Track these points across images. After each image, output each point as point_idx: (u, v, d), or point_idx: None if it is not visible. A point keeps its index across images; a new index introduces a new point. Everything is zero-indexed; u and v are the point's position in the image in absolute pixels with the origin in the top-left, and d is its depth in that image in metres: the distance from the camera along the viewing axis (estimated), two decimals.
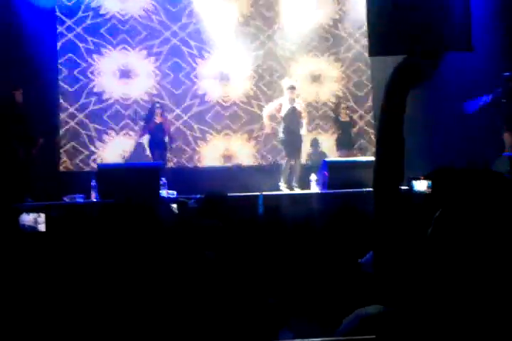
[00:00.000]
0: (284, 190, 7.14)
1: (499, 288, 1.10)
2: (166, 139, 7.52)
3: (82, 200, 5.98)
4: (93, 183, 5.99)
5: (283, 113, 7.34)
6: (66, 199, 6.03)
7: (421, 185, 2.66)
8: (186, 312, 1.64)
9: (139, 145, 7.83)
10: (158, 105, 7.53)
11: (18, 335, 1.67)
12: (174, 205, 3.22)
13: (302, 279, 2.04)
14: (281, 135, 7.40)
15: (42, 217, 3.41)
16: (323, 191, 6.62)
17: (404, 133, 1.46)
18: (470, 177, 1.29)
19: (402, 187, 1.50)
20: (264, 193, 5.82)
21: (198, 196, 5.10)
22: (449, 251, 1.23)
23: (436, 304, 1.12)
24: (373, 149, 8.61)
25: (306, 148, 8.30)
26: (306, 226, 2.56)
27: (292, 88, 7.29)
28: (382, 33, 1.31)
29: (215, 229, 2.37)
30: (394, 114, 1.32)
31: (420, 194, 2.61)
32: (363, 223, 2.53)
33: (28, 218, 3.44)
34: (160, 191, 5.96)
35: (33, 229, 3.37)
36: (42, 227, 3.35)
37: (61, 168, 7.88)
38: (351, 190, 6.09)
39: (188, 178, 7.40)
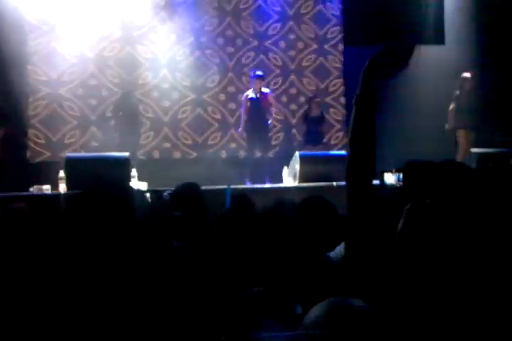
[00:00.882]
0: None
1: (469, 279, 1.11)
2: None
3: (49, 192, 5.85)
4: (61, 174, 5.88)
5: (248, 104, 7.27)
6: (33, 190, 5.90)
7: (392, 178, 2.70)
8: (154, 303, 1.62)
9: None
10: None
11: None
12: (147, 194, 3.17)
13: (270, 272, 2.04)
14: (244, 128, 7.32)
15: None
16: (294, 184, 6.66)
17: (377, 127, 1.46)
18: (439, 170, 1.31)
19: (374, 181, 1.51)
20: (232, 186, 5.82)
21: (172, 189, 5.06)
22: (420, 244, 1.25)
23: (407, 298, 1.13)
24: (342, 143, 8.74)
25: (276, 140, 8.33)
26: (276, 219, 2.55)
27: (259, 77, 7.25)
28: (359, 24, 1.31)
29: (183, 220, 2.35)
30: (368, 105, 1.32)
31: (391, 187, 2.64)
32: (333, 216, 2.54)
33: None
34: (130, 182, 5.88)
35: None
36: None
37: (28, 158, 7.72)
38: (322, 183, 6.15)
39: (159, 170, 7.34)
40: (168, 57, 8.23)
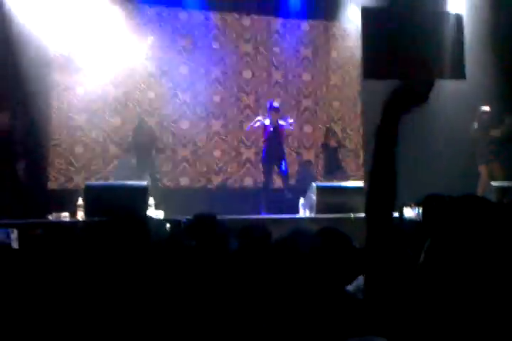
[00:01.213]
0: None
1: (493, 318, 1.09)
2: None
3: (67, 219, 5.90)
4: (80, 202, 5.93)
5: (266, 135, 7.34)
6: (51, 217, 5.95)
7: (411, 212, 2.67)
8: (166, 328, 1.60)
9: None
10: None
11: None
12: (167, 224, 3.17)
13: (286, 305, 2.00)
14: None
15: (15, 233, 3.31)
16: (311, 215, 6.61)
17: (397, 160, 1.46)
18: (460, 205, 1.29)
19: (393, 215, 1.49)
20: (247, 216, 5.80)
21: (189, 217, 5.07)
22: (441, 281, 1.22)
23: (429, 334, 1.10)
24: (359, 174, 8.74)
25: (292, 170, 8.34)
26: (292, 251, 2.53)
27: (275, 109, 7.32)
28: (377, 57, 1.32)
29: (198, 250, 2.34)
30: (388, 138, 1.33)
31: (411, 221, 2.61)
32: (349, 248, 2.51)
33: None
34: (147, 211, 5.91)
35: (4, 244, 3.29)
36: (15, 244, 3.26)
37: (49, 186, 7.81)
38: (339, 214, 6.10)
39: (176, 199, 7.37)
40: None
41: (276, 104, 7.47)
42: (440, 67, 1.35)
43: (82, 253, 2.11)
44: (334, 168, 8.19)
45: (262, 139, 7.53)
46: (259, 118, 7.41)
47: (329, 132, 8.42)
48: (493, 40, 7.78)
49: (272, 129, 7.28)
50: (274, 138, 7.29)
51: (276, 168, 7.40)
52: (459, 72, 1.37)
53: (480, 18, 7.68)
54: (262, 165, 7.56)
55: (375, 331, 1.23)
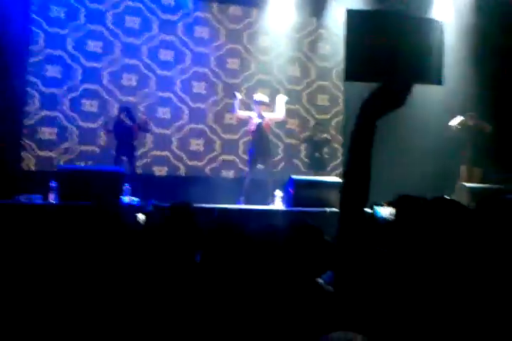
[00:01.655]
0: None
1: (460, 311, 1.12)
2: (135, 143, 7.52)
3: (40, 201, 5.82)
4: (52, 184, 5.85)
5: (253, 127, 7.37)
6: (22, 198, 5.85)
7: (384, 211, 2.71)
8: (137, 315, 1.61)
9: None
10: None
11: None
12: (141, 216, 3.14)
13: (258, 297, 2.02)
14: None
15: None
16: (287, 208, 6.66)
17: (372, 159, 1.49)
18: (432, 206, 1.33)
19: (365, 211, 1.52)
20: (220, 206, 5.82)
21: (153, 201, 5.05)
22: (409, 275, 1.26)
23: (398, 327, 1.13)
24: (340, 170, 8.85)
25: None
26: (265, 242, 2.55)
27: (261, 103, 7.33)
28: (359, 60, 1.34)
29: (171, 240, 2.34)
30: (364, 140, 1.35)
31: (383, 220, 2.66)
32: (321, 241, 2.54)
33: None
34: (122, 197, 5.86)
35: None
36: None
37: (23, 167, 7.70)
38: (315, 208, 6.15)
39: (152, 186, 7.36)
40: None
41: (259, 97, 7.44)
42: (419, 72, 1.37)
43: (53, 237, 2.09)
44: (317, 161, 8.24)
45: (249, 131, 7.52)
46: (238, 95, 7.39)
47: (317, 125, 8.46)
48: (478, 45, 7.91)
49: (259, 122, 7.30)
50: (261, 130, 7.31)
51: (260, 160, 7.41)
52: (436, 78, 1.40)
53: (466, 24, 7.80)
54: (249, 157, 7.54)
55: (346, 324, 1.26)
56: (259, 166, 7.44)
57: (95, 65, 8.14)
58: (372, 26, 1.31)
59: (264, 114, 7.39)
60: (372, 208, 2.80)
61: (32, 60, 7.84)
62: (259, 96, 7.49)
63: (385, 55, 1.34)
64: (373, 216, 2.76)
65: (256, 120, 7.34)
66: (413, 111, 6.62)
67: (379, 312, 1.22)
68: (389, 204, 2.56)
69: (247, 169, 7.61)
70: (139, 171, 7.92)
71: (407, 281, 1.21)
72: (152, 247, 1.93)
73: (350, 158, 1.36)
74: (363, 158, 1.35)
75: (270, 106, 7.49)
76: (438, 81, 1.40)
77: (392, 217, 1.38)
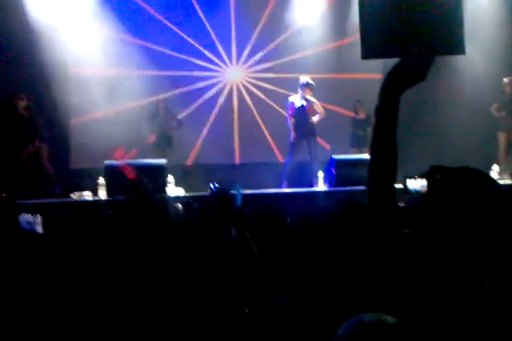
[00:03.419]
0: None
1: (501, 292, 1.12)
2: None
3: (90, 198, 6.04)
4: (101, 181, 6.06)
5: (293, 112, 7.33)
6: (73, 196, 6.10)
7: (416, 184, 2.67)
8: (185, 307, 1.68)
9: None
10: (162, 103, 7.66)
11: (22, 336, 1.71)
12: (179, 205, 3.24)
13: (304, 276, 2.05)
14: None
15: (38, 219, 3.41)
16: (330, 188, 6.64)
17: (400, 133, 1.48)
18: (458, 175, 1.32)
19: (397, 186, 1.52)
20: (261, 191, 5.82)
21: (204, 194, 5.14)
22: (444, 251, 1.26)
23: (431, 310, 1.14)
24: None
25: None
26: (310, 224, 2.57)
27: (306, 85, 7.27)
28: (375, 37, 1.33)
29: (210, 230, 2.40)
30: (388, 116, 1.35)
31: (416, 192, 2.62)
32: (369, 220, 2.54)
33: (26, 218, 3.46)
34: (166, 189, 6.01)
35: (32, 230, 3.40)
36: (39, 229, 3.35)
37: (71, 166, 7.97)
38: (358, 187, 6.11)
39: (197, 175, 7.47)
40: None
41: (305, 79, 7.37)
42: (438, 43, 1.34)
43: (106, 232, 2.19)
44: (360, 140, 8.17)
45: (288, 116, 7.47)
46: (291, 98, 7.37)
47: (358, 103, 8.34)
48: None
49: (302, 105, 7.26)
50: (304, 113, 7.27)
51: (305, 142, 7.36)
52: (458, 48, 1.37)
53: None
54: (291, 140, 7.49)
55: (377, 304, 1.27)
56: (303, 148, 7.39)
57: None
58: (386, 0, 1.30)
59: (309, 97, 7.33)
60: (403, 182, 2.77)
61: None
62: (305, 78, 7.42)
63: (401, 28, 1.32)
64: (405, 189, 2.73)
65: (298, 102, 7.29)
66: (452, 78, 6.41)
67: (410, 293, 1.23)
68: (421, 177, 2.52)
69: (288, 153, 7.59)
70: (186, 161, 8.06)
71: (439, 261, 1.22)
72: (192, 236, 1.99)
73: (376, 134, 1.36)
74: (388, 133, 1.35)
75: (313, 89, 7.38)
76: (460, 50, 1.37)
77: (425, 189, 1.38)
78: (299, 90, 7.34)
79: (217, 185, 3.03)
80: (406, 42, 1.33)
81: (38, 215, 3.43)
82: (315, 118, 7.39)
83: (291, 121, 7.38)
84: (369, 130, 8.21)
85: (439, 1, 1.32)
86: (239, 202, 2.58)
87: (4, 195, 4.13)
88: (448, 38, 1.34)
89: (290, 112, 7.36)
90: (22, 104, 6.90)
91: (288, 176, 7.27)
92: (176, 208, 2.85)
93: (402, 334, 1.00)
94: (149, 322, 1.70)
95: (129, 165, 5.83)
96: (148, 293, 1.81)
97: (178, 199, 5.49)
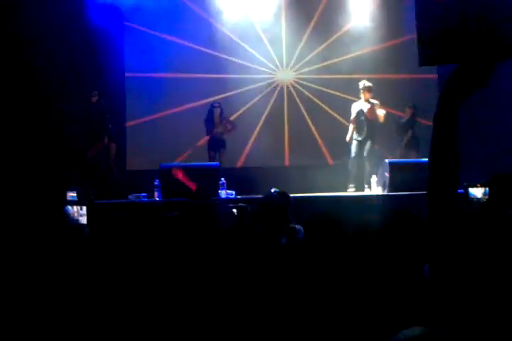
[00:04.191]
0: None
1: None
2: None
3: (146, 199, 6.20)
4: (156, 183, 6.20)
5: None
6: (131, 197, 6.27)
7: (477, 192, 2.58)
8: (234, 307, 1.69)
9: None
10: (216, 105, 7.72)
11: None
12: (234, 210, 3.27)
13: (357, 284, 2.03)
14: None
15: (83, 210, 3.53)
16: (384, 193, 6.52)
17: (460, 140, 1.44)
18: None
19: (457, 193, 1.48)
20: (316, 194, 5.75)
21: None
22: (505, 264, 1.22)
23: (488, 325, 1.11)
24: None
25: None
26: (364, 231, 2.54)
27: (366, 88, 7.21)
28: (433, 41, 1.29)
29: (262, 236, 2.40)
30: (447, 124, 1.31)
31: (477, 201, 2.54)
32: (421, 228, 2.48)
33: (72, 210, 3.60)
34: (219, 191, 6.08)
35: (76, 221, 3.53)
36: (83, 220, 3.47)
37: (128, 167, 8.19)
38: (413, 192, 5.95)
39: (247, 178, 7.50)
40: None
41: (367, 83, 7.30)
42: (501, 47, 1.28)
43: (160, 234, 2.24)
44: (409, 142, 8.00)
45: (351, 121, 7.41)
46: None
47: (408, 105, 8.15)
48: None
49: (359, 110, 7.20)
50: (363, 115, 7.20)
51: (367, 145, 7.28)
52: None
53: None
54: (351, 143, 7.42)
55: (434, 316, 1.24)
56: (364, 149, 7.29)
57: None
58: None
59: (371, 100, 7.25)
60: (465, 190, 2.67)
61: None
62: (362, 81, 7.35)
63: (458, 35, 1.27)
64: (466, 197, 2.64)
65: (358, 107, 7.25)
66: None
67: (468, 307, 1.19)
68: (482, 185, 2.43)
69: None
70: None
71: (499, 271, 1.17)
72: (243, 240, 2.00)
73: (435, 142, 1.33)
74: (449, 141, 1.32)
75: (372, 90, 7.29)
76: None
77: (486, 197, 1.34)
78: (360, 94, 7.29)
79: (277, 190, 3.03)
80: (466, 48, 1.28)
81: (83, 207, 3.55)
82: (380, 119, 7.26)
83: (352, 127, 7.33)
84: (410, 132, 7.99)
85: (500, 4, 1.27)
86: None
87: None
88: (510, 42, 1.28)
89: (352, 117, 7.32)
90: (94, 99, 7.12)
91: (355, 179, 7.17)
92: (232, 213, 2.89)
93: None
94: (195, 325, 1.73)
95: (182, 168, 5.94)
96: (197, 295, 1.84)
97: (230, 201, 5.55)
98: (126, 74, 8.24)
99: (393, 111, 8.41)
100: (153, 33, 8.26)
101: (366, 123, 7.23)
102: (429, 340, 0.97)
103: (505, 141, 7.68)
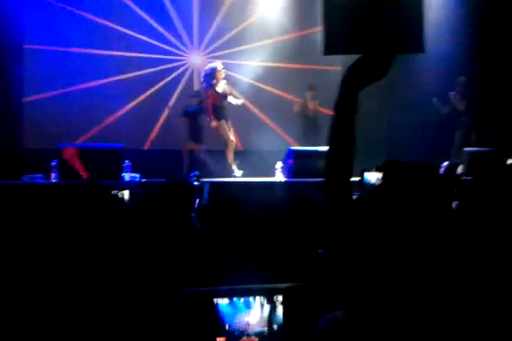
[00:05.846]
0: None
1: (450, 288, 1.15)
2: None
3: (41, 181, 5.86)
4: (53, 163, 5.88)
5: None
6: (25, 178, 5.90)
7: (372, 177, 2.74)
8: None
9: None
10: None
11: None
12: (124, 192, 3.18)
13: (258, 266, 2.06)
14: None
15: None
16: (288, 179, 6.67)
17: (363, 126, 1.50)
18: (417, 171, 1.35)
19: (355, 179, 1.53)
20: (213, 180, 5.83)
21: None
22: (400, 246, 1.28)
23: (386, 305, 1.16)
24: None
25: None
26: (266, 215, 2.58)
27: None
28: (336, 32, 1.32)
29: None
30: (346, 113, 1.35)
31: (371, 185, 2.69)
32: (317, 213, 2.57)
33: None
34: (122, 174, 5.89)
35: None
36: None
37: (23, 146, 7.71)
38: (316, 179, 6.15)
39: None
40: None
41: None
42: (399, 41, 1.35)
43: (53, 215, 2.12)
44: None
45: None
46: None
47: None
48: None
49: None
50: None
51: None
52: (418, 46, 1.38)
53: None
54: None
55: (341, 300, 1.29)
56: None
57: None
58: None
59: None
60: (361, 174, 2.82)
61: None
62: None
63: (364, 24, 1.32)
64: (362, 180, 2.78)
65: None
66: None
67: (365, 288, 1.25)
68: (377, 170, 2.57)
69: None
70: None
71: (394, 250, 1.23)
72: (146, 224, 1.96)
73: (334, 129, 1.37)
74: (347, 128, 1.36)
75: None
76: (419, 49, 1.38)
77: (379, 182, 1.39)
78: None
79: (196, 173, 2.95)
80: (368, 39, 1.33)
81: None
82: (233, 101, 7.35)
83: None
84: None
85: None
86: (206, 193, 2.56)
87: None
88: (408, 35, 1.35)
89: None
90: None
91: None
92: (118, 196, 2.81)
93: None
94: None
95: (79, 149, 5.65)
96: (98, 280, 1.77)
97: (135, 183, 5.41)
98: (25, 46, 7.71)
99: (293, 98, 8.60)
100: (56, 3, 7.78)
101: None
102: (348, 322, 1.01)
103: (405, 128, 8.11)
